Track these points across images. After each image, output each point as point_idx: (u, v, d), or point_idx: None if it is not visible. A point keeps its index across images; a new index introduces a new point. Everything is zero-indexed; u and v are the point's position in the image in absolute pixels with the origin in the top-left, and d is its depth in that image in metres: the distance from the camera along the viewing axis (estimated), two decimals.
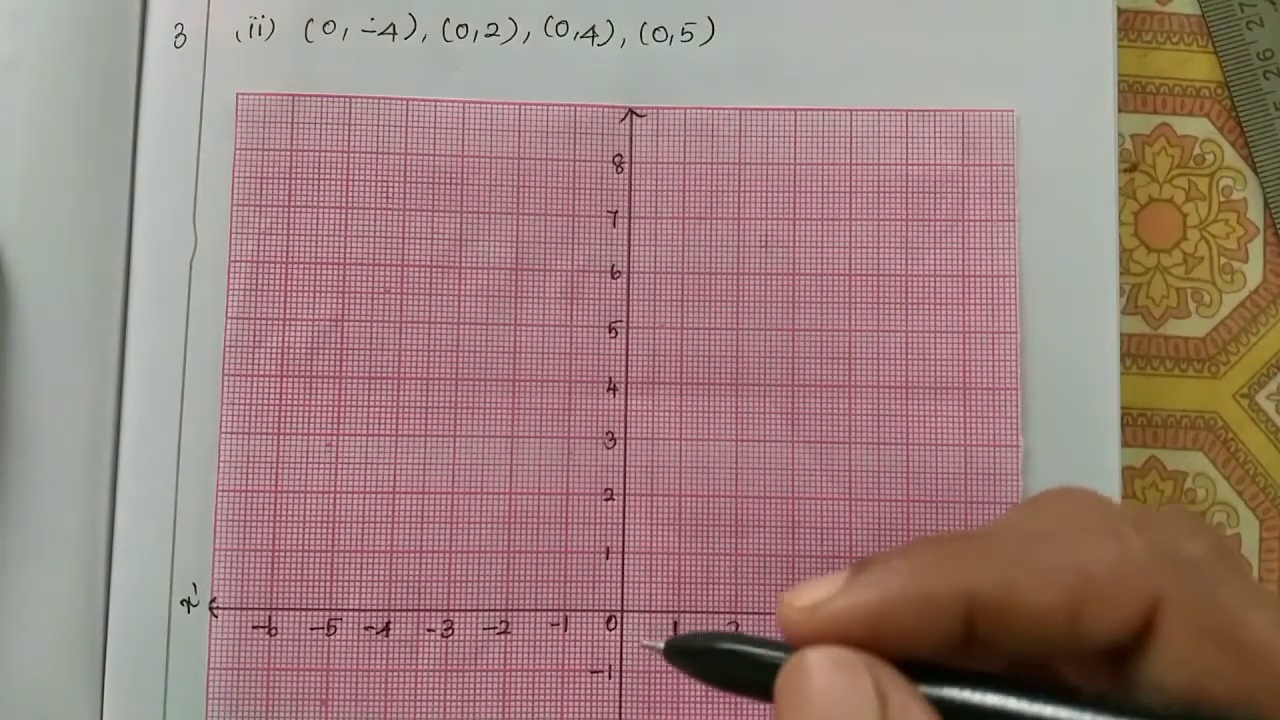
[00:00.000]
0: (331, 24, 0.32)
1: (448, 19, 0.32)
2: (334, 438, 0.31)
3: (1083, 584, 0.19)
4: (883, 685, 0.17)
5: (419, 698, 0.30)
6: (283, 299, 0.31)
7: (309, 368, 0.31)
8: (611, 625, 0.31)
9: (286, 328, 0.31)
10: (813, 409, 0.31)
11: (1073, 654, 0.19)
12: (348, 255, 0.32)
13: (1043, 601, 0.18)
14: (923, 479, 0.31)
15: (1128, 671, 0.19)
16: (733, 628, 0.31)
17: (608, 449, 0.31)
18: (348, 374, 0.31)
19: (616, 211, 0.32)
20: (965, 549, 0.19)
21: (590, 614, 0.31)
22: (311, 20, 0.32)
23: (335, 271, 0.31)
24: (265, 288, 0.31)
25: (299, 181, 0.32)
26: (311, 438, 0.31)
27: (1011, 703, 0.18)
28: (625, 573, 0.31)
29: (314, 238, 0.32)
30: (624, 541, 0.31)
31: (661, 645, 0.21)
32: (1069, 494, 0.22)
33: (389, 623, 0.31)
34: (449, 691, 0.31)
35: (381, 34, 0.32)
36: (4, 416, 0.30)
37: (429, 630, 0.31)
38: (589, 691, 0.31)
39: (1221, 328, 0.34)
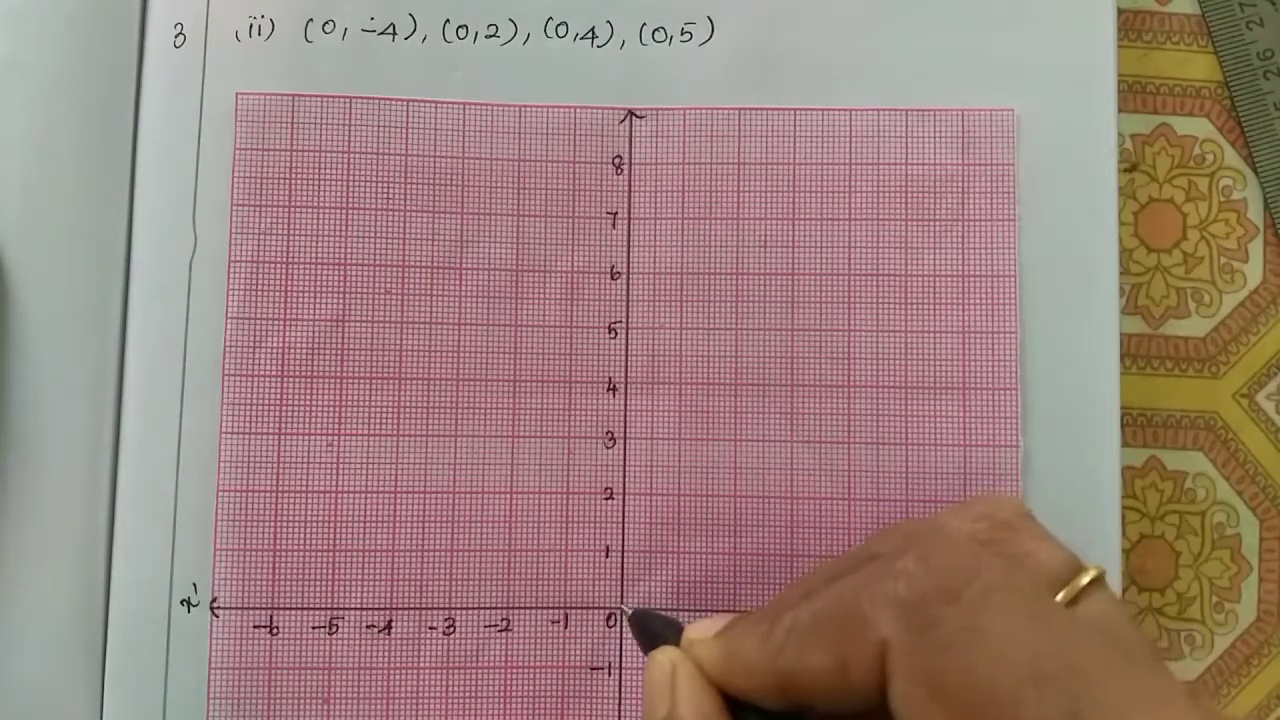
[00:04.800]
0: (331, 24, 0.32)
1: (448, 19, 0.32)
2: (335, 438, 0.31)
3: (840, 640, 0.21)
4: (678, 677, 0.24)
5: (421, 695, 0.31)
6: (283, 299, 0.31)
7: (309, 368, 0.31)
8: (611, 623, 0.31)
9: (286, 328, 0.31)
10: (812, 409, 0.31)
11: (878, 708, 0.21)
12: (348, 256, 0.32)
13: (823, 663, 0.22)
14: (922, 479, 0.31)
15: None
16: None
17: (608, 449, 0.31)
18: (348, 374, 0.31)
19: (616, 213, 0.32)
20: (785, 625, 0.23)
21: (590, 612, 0.31)
22: (311, 20, 0.32)
23: (335, 272, 0.31)
24: (265, 288, 0.31)
25: (299, 181, 0.32)
26: (312, 438, 0.31)
27: None
28: (625, 571, 0.31)
29: (314, 238, 0.32)
30: (624, 540, 0.31)
31: (630, 611, 0.31)
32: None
33: (391, 621, 0.31)
34: (451, 689, 0.31)
35: (381, 34, 0.32)
36: (4, 416, 0.30)
37: (430, 628, 0.31)
38: (589, 688, 0.31)
39: (1221, 328, 0.34)
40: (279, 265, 0.31)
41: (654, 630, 0.28)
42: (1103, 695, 0.19)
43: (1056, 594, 0.22)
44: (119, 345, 0.31)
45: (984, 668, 0.19)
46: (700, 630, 0.25)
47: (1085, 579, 0.22)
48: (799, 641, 0.22)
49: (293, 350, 0.31)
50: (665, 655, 0.25)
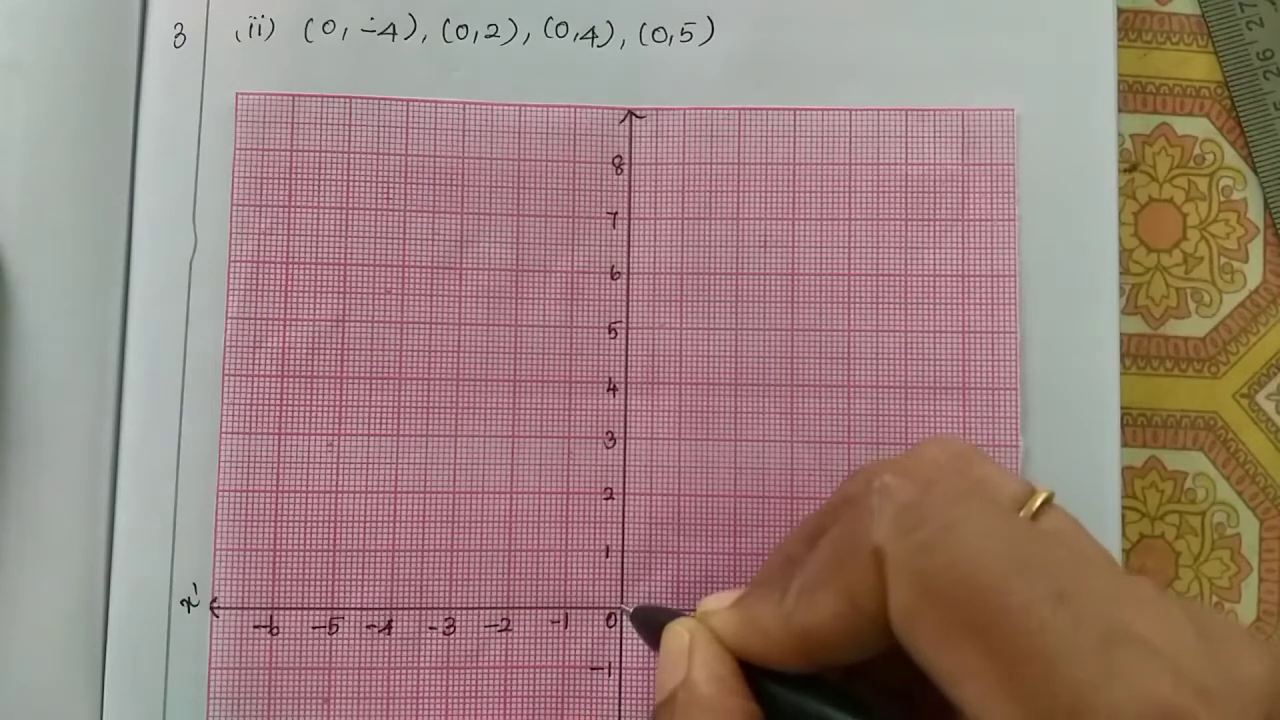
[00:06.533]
0: (331, 24, 0.32)
1: (448, 19, 0.32)
2: (335, 438, 0.31)
3: (843, 573, 0.22)
4: (694, 644, 0.24)
5: (421, 695, 0.31)
6: (283, 299, 0.31)
7: (309, 368, 0.31)
8: (611, 623, 0.31)
9: (286, 328, 0.31)
10: (812, 409, 0.31)
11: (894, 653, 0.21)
12: (348, 255, 0.32)
13: (834, 605, 0.22)
14: None
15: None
16: None
17: (608, 449, 0.31)
18: (348, 374, 0.31)
19: (616, 212, 0.32)
20: (796, 585, 0.23)
21: (590, 612, 0.31)
22: (311, 20, 0.32)
23: (335, 272, 0.32)
24: (265, 288, 0.31)
25: (299, 181, 0.32)
26: (312, 438, 0.31)
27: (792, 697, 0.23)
28: (625, 571, 0.31)
29: (314, 238, 0.32)
30: (624, 540, 0.31)
31: (630, 610, 0.31)
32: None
33: (391, 621, 0.31)
34: (451, 689, 0.31)
35: (381, 34, 0.32)
36: (4, 416, 0.30)
37: (430, 628, 0.31)
38: (589, 688, 0.31)
39: (1221, 328, 0.34)
40: (279, 265, 0.31)
41: (660, 622, 0.28)
42: (1080, 578, 0.19)
43: (1018, 511, 0.23)
44: (119, 345, 0.31)
45: (967, 563, 0.20)
46: (714, 602, 0.25)
47: (1039, 500, 0.23)
48: (809, 594, 0.22)
49: (293, 350, 0.31)
50: (682, 625, 0.25)
